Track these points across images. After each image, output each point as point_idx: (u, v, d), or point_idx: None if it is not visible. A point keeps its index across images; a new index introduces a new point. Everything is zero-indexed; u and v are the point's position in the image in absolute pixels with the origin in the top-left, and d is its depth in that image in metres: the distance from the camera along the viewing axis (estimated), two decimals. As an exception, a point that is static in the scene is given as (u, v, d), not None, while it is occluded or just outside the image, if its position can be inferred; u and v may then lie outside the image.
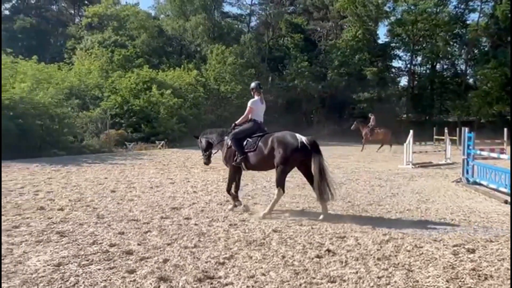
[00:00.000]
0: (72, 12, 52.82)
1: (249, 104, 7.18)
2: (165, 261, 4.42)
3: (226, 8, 49.30)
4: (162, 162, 14.91)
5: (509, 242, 5.22)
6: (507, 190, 8.33)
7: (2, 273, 4.01)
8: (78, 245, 4.92)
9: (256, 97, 7.22)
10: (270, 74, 39.34)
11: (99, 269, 4.16)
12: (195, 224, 5.99)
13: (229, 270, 4.21)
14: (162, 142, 22.17)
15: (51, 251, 4.68)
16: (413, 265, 4.43)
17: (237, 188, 7.30)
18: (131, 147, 20.57)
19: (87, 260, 4.39)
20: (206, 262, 4.40)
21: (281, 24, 41.04)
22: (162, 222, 6.08)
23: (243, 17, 45.08)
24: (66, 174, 11.14)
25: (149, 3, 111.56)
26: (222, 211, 6.90)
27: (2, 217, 6.19)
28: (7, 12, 47.55)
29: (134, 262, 4.39)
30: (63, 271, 4.09)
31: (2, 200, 7.47)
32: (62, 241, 5.06)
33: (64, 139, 18.16)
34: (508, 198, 7.88)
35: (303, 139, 6.38)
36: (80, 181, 10.00)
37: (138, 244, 4.97)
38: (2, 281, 3.84)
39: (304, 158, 6.41)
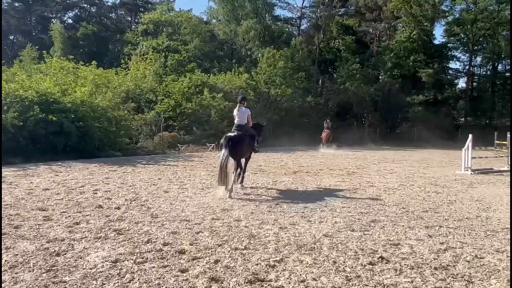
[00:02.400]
0: (129, 19, 55.28)
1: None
2: (216, 261, 4.47)
3: (277, 11, 49.47)
4: (212, 164, 15.13)
5: None
6: None
7: (65, 267, 4.23)
8: (134, 243, 5.08)
9: (237, 107, 9.71)
10: (320, 77, 38.96)
11: (153, 267, 4.27)
12: (245, 226, 6.02)
13: (280, 273, 4.18)
14: (213, 144, 22.56)
15: (108, 247, 4.87)
16: (474, 276, 4.20)
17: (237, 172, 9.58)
18: (183, 149, 21.09)
19: (142, 258, 4.53)
20: (257, 265, 4.40)
21: (332, 26, 40.52)
22: (213, 223, 6.16)
23: (294, 20, 45.08)
24: (122, 174, 11.59)
25: (202, 9, 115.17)
26: (272, 213, 6.89)
27: (65, 213, 6.55)
28: (70, 21, 50.59)
29: (186, 261, 4.47)
30: (119, 267, 4.24)
31: (63, 198, 7.91)
32: (119, 238, 5.26)
33: (120, 141, 18.95)
34: None
35: (228, 136, 8.86)
36: (135, 181, 10.37)
37: (190, 244, 5.07)
38: (59, 274, 4.05)
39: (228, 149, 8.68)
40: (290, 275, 4.14)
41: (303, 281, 4.00)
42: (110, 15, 54.58)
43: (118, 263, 4.35)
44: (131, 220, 6.25)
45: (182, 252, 4.77)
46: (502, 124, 35.48)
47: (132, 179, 10.75)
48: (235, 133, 9.19)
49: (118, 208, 7.10)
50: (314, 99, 34.91)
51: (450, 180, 11.75)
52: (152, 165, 14.15)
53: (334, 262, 4.52)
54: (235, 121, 9.59)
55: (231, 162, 9.17)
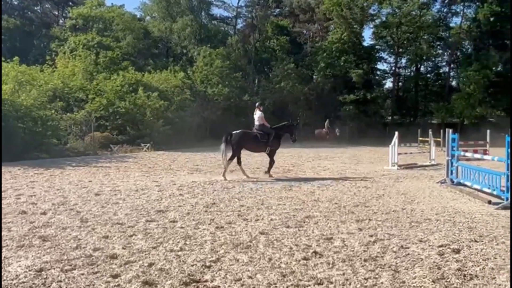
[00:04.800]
0: (56, 13, 52.17)
1: None
2: (150, 265, 4.35)
3: (213, 10, 49.25)
4: (147, 164, 14.77)
5: (494, 241, 5.29)
6: (490, 191, 8.45)
7: (-19, 279, 3.90)
8: (61, 249, 4.81)
9: (255, 111, 12.19)
10: (256, 76, 39.35)
11: (83, 274, 4.07)
12: (181, 227, 5.93)
13: (216, 273, 4.16)
14: (148, 144, 21.99)
15: (33, 256, 4.57)
16: (400, 266, 4.44)
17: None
18: (116, 150, 20.36)
19: (70, 265, 4.30)
20: (192, 266, 4.34)
21: (267, 26, 41.06)
22: (147, 225, 6.00)
23: (230, 19, 45.08)
24: (49, 178, 10.96)
25: (135, 5, 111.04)
26: (208, 213, 6.85)
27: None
28: (-12, 13, 46.76)
29: (118, 266, 4.31)
30: (45, 276, 3.99)
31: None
32: (45, 245, 4.95)
33: (47, 142, 17.91)
34: (492, 199, 8.01)
35: (229, 132, 11.40)
36: (63, 184, 9.84)
37: (123, 248, 4.90)
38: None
39: (226, 143, 11.19)
40: (226, 274, 4.13)
41: (239, 279, 4.00)
42: (35, 8, 51.09)
43: (43, 272, 4.10)
44: (59, 225, 5.92)
45: (114, 256, 4.59)
46: (424, 122, 38.00)
47: (60, 182, 10.20)
48: (240, 130, 11.69)
49: (44, 213, 6.70)
50: (251, 98, 35.16)
51: (378, 175, 12.37)
52: (82, 167, 13.51)
53: (270, 259, 4.57)
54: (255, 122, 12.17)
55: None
